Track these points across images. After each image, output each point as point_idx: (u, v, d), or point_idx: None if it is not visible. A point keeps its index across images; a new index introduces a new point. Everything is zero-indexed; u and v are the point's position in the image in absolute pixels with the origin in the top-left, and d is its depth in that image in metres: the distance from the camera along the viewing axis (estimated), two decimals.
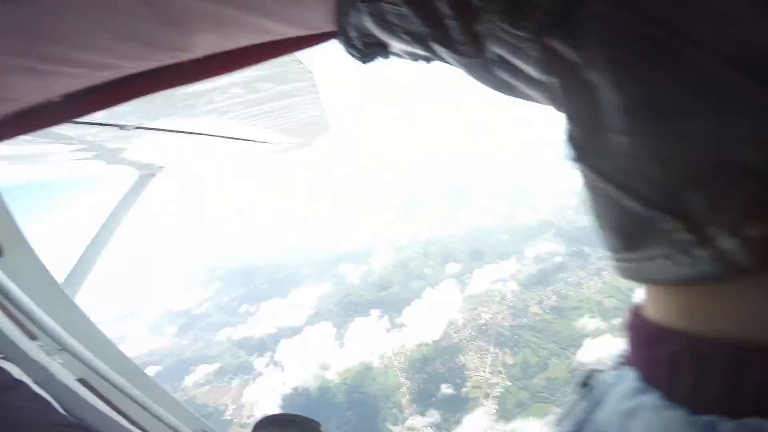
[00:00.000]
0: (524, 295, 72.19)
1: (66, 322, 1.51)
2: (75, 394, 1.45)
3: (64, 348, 1.52)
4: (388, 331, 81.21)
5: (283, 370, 77.04)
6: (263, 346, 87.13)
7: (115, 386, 1.54)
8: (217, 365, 79.26)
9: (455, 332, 70.81)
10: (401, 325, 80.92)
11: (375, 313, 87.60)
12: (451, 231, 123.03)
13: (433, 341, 70.57)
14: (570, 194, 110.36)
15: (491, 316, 70.95)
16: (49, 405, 1.04)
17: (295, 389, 69.96)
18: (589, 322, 59.71)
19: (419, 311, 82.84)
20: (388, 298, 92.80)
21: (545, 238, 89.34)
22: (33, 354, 1.41)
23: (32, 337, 1.52)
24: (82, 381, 1.56)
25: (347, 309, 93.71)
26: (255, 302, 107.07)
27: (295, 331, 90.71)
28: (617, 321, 54.02)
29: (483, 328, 68.24)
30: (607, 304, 60.42)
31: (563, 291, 67.55)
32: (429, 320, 76.36)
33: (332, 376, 71.66)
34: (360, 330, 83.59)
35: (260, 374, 76.31)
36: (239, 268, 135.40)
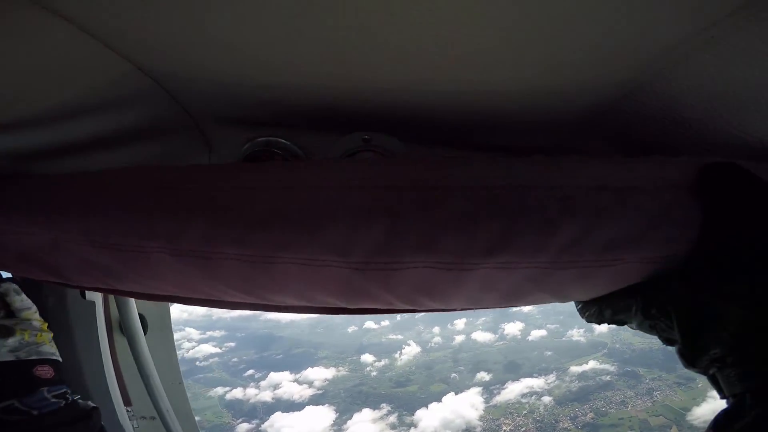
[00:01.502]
0: (557, 410, 63.48)
1: (167, 396, 1.47)
2: None
3: (152, 418, 1.50)
4: (393, 428, 73.80)
5: None
6: (253, 412, 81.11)
7: None
8: (196, 418, 72.91)
9: None
10: (410, 425, 73.82)
11: (385, 407, 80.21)
12: (490, 341, 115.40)
13: None
14: None
15: (513, 427, 61.08)
16: None
17: None
18: None
19: (434, 414, 75.54)
20: (403, 396, 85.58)
21: (594, 357, 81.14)
22: (120, 416, 1.37)
23: (128, 402, 1.49)
24: None
25: (356, 397, 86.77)
26: (263, 370, 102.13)
27: (293, 407, 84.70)
28: None
29: None
30: (653, 422, 53.25)
31: (603, 408, 59.47)
32: (442, 425, 70.78)
33: None
34: (362, 421, 76.46)
35: None
36: (261, 335, 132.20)
